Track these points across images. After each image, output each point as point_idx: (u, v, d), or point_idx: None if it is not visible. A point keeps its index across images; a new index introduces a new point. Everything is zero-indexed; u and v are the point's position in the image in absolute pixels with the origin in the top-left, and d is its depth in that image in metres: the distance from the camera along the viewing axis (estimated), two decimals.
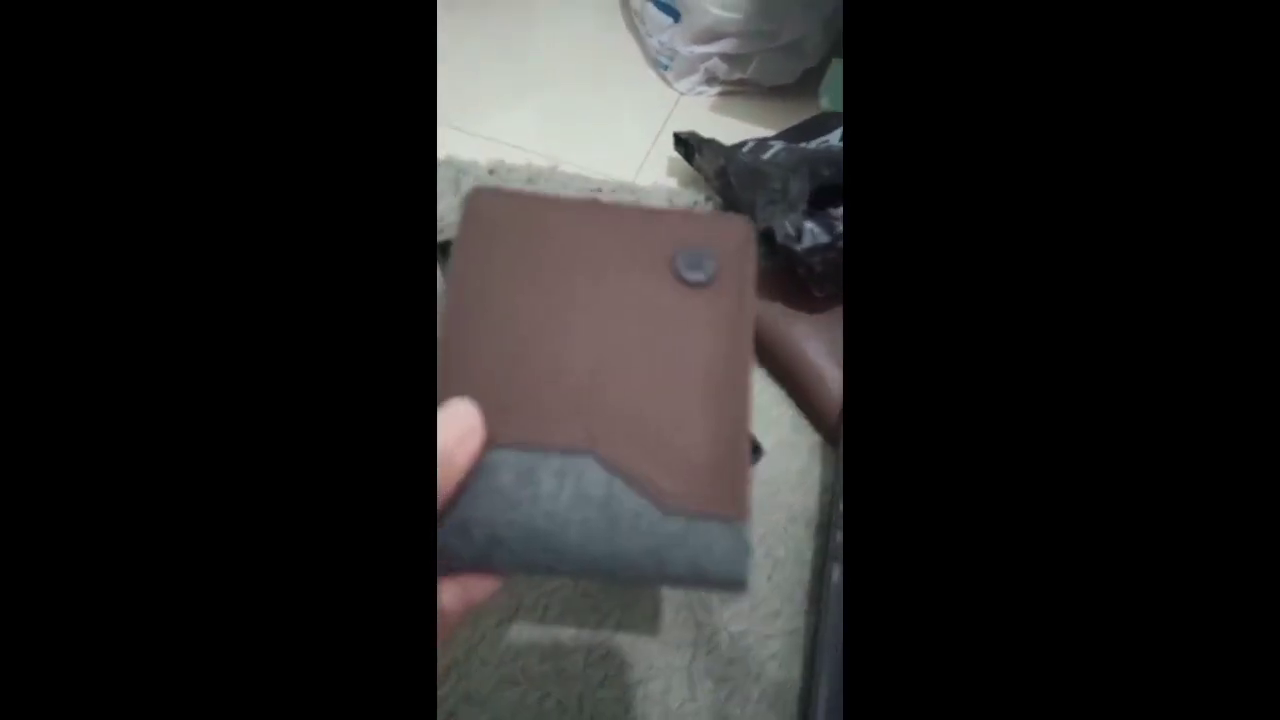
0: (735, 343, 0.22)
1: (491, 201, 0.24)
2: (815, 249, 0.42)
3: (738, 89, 0.69)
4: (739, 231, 0.23)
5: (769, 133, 0.58)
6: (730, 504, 0.20)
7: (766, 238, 0.44)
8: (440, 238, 0.52)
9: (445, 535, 0.20)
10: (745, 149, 0.51)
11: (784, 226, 0.42)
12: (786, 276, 0.47)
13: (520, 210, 0.23)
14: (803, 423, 0.46)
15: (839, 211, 0.44)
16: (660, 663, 0.38)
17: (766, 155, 0.49)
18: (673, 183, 0.60)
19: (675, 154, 0.60)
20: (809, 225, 0.42)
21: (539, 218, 0.23)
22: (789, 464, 0.44)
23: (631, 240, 0.22)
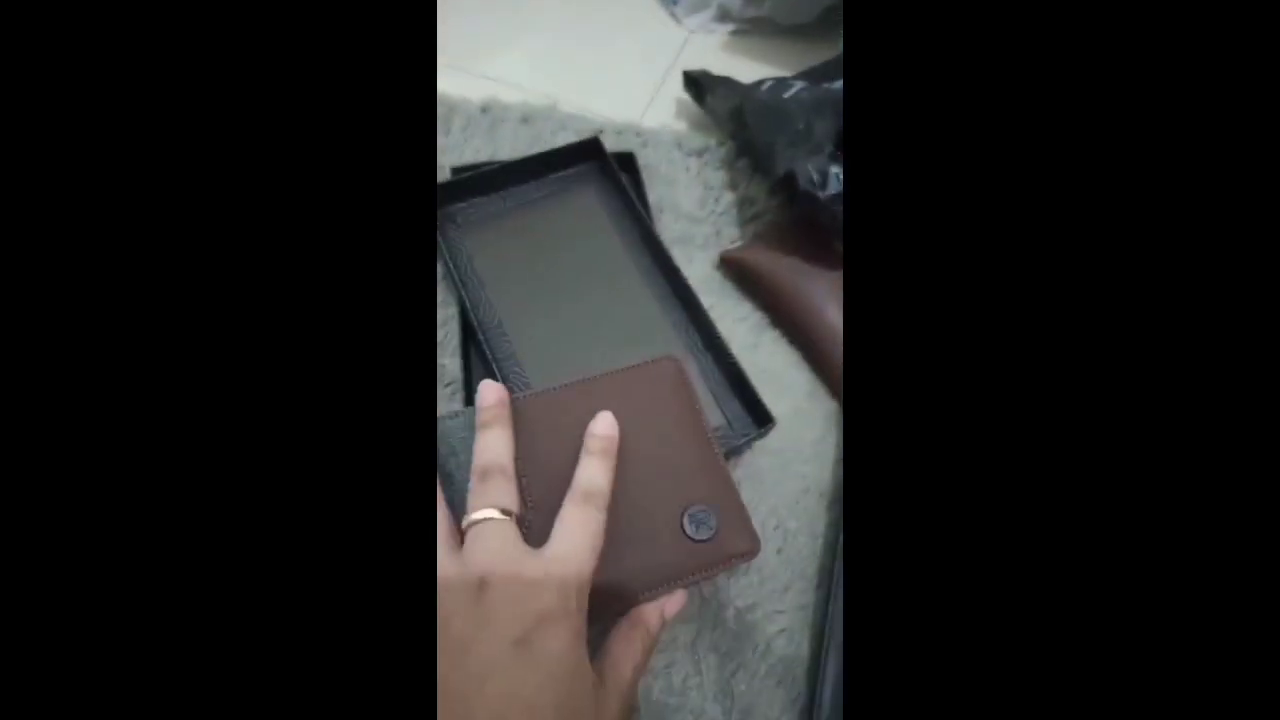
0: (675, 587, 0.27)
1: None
2: (840, 196, 0.38)
3: (752, 27, 0.64)
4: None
5: (786, 74, 0.53)
6: None
7: (787, 183, 0.40)
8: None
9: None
10: (764, 87, 0.46)
11: (807, 171, 0.38)
12: (806, 229, 0.43)
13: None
14: (820, 389, 0.43)
15: None
16: (664, 637, 0.36)
17: (787, 94, 0.45)
18: (681, 125, 0.56)
19: (684, 95, 0.56)
20: (835, 170, 0.38)
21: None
22: (804, 433, 0.41)
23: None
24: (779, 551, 0.38)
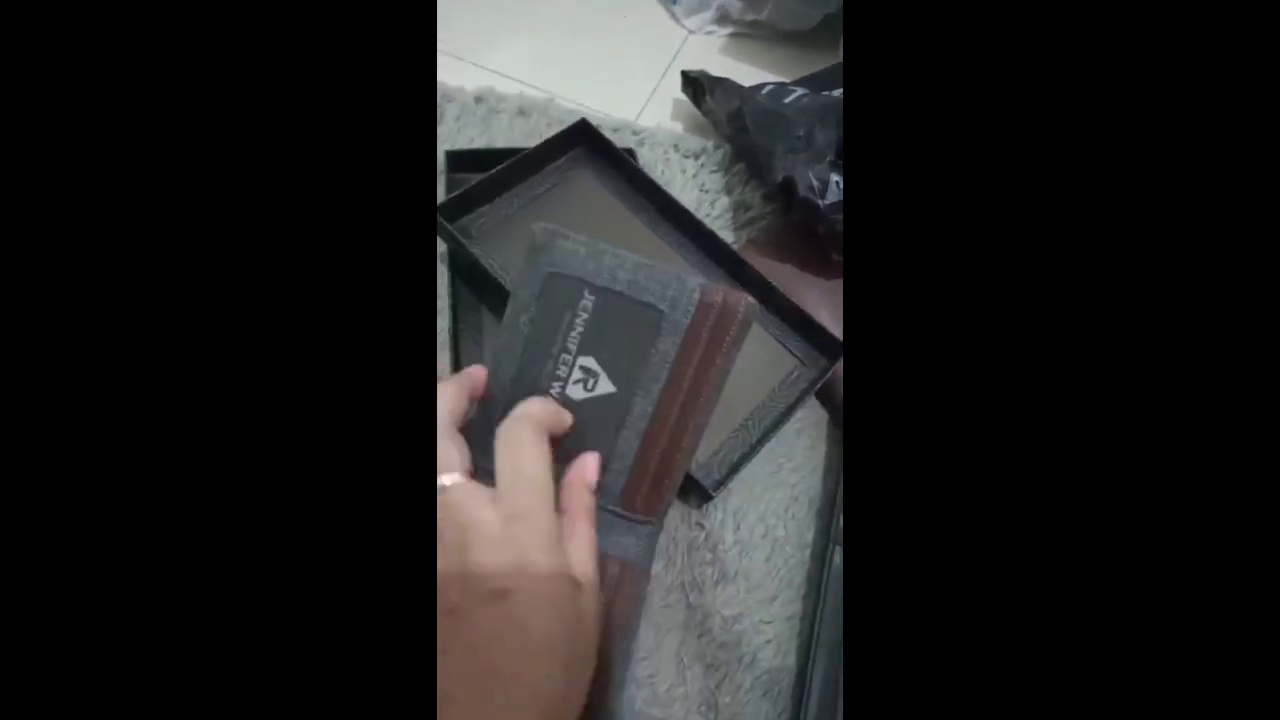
0: None
1: None
2: (840, 205, 0.38)
3: (751, 31, 0.63)
4: None
5: (783, 79, 0.53)
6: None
7: (786, 189, 0.40)
8: None
9: None
10: (764, 91, 0.46)
11: (807, 178, 0.38)
12: (802, 235, 0.43)
13: None
14: (811, 397, 0.43)
15: None
16: (648, 645, 0.35)
17: (788, 100, 0.44)
18: (677, 126, 0.55)
19: (681, 96, 0.55)
20: (835, 178, 0.38)
21: None
22: (794, 442, 0.41)
23: None
24: (767, 560, 0.38)
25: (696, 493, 0.37)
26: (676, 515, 0.39)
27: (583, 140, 0.46)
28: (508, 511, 0.21)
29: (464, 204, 0.42)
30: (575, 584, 0.21)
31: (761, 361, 0.41)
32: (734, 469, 0.37)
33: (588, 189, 0.45)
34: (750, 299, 0.25)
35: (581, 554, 0.22)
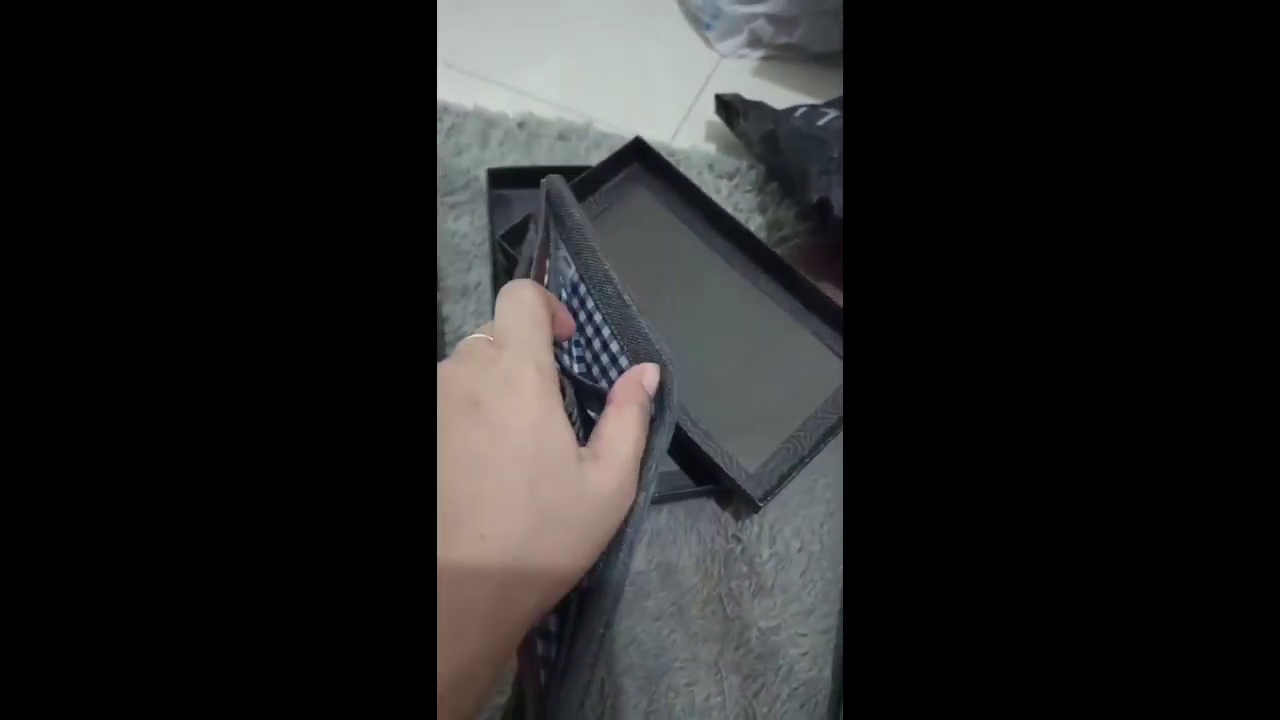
0: None
1: None
2: None
3: (782, 54, 0.65)
4: None
5: (816, 101, 0.54)
6: None
7: (820, 209, 0.41)
8: (462, 194, 0.49)
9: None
10: (797, 114, 0.47)
11: (842, 199, 0.39)
12: (835, 254, 0.44)
13: None
14: None
15: None
16: (686, 654, 0.36)
17: (821, 122, 0.45)
18: (711, 148, 0.57)
19: (714, 118, 0.57)
20: None
21: None
22: (829, 457, 0.42)
23: None
24: (803, 574, 0.39)
25: (744, 503, 0.38)
26: (713, 527, 0.39)
27: (636, 158, 0.48)
28: (499, 340, 0.21)
29: (524, 229, 0.44)
30: (553, 421, 0.20)
31: (813, 370, 0.41)
32: (784, 479, 0.38)
33: (641, 204, 0.47)
34: (551, 176, 0.28)
35: (614, 432, 0.21)
